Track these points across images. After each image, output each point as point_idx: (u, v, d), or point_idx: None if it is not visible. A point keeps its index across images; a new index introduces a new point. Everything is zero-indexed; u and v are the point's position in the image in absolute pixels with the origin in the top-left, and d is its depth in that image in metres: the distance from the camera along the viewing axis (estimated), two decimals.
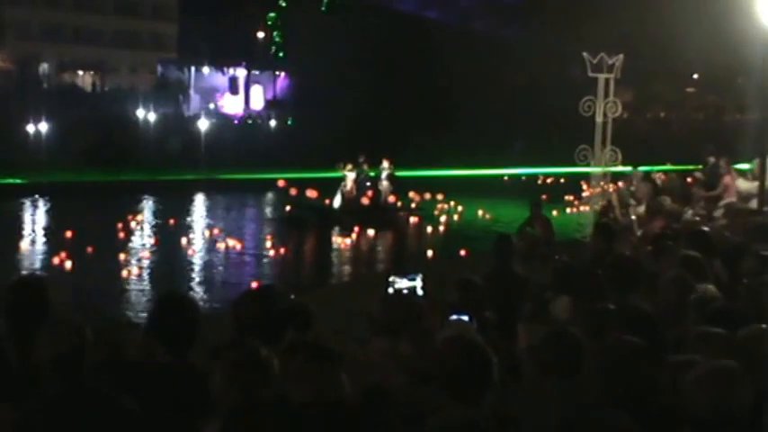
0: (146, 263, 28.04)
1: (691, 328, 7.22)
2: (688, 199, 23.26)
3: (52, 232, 31.51)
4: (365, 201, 38.07)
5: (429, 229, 36.02)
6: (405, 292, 9.51)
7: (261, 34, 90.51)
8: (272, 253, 30.43)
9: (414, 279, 9.69)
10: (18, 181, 44.95)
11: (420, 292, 9.58)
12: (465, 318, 8.38)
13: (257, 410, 5.24)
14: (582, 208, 38.49)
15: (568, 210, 37.98)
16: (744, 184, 24.23)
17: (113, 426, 5.35)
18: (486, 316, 8.67)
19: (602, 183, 30.52)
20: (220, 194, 46.48)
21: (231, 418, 5.27)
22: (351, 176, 38.14)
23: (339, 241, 32.99)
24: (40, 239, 31.32)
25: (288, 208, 39.15)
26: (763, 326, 6.59)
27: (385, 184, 38.99)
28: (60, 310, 6.31)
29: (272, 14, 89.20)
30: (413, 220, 37.90)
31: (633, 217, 20.79)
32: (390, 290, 9.71)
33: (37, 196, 41.77)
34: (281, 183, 42.30)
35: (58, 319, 5.83)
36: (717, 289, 9.04)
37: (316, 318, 8.05)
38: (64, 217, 34.68)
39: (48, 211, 39.27)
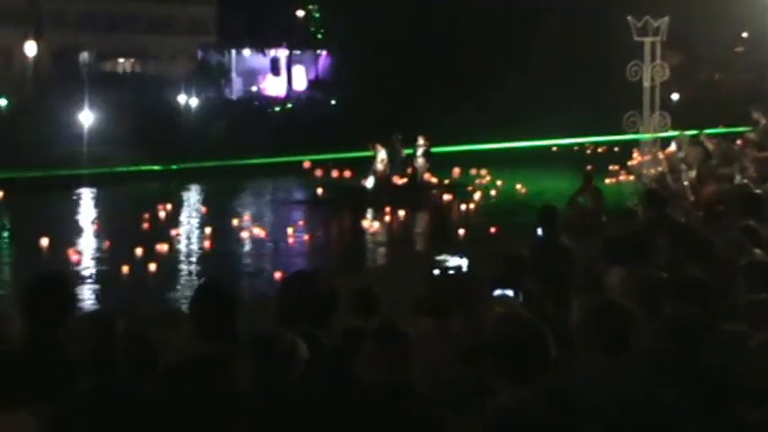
0: (183, 252, 28.17)
1: (740, 296, 7.11)
2: (735, 162, 23.00)
3: (89, 224, 31.32)
4: (397, 180, 37.87)
5: (465, 206, 35.77)
6: (452, 270, 9.48)
7: (300, 13, 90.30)
8: (305, 237, 30.45)
9: (462, 257, 9.67)
10: (68, 172, 45.24)
11: (466, 269, 9.54)
12: (509, 292, 8.33)
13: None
14: (626, 177, 38.14)
15: (608, 180, 37.31)
16: None
17: (153, 423, 5.34)
18: (532, 289, 8.61)
19: (652, 149, 30.27)
20: (260, 178, 46.46)
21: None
22: (382, 155, 37.96)
23: (373, 222, 32.94)
24: (83, 231, 31.19)
25: (320, 190, 39.10)
26: None
27: (420, 161, 38.74)
28: (89, 306, 6.33)
29: None
30: (447, 197, 37.53)
31: (685, 183, 20.61)
32: (438, 269, 9.69)
33: (83, 187, 41.94)
34: (306, 164, 42.31)
35: (85, 315, 5.84)
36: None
37: (380, 302, 8.05)
38: (101, 207, 34.64)
39: (87, 202, 39.20)
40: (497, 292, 8.25)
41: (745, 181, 18.52)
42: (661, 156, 29.04)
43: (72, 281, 6.68)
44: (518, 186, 39.20)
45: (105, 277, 23.72)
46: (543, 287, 8.65)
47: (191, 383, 5.60)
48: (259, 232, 30.75)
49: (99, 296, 20.72)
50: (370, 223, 32.83)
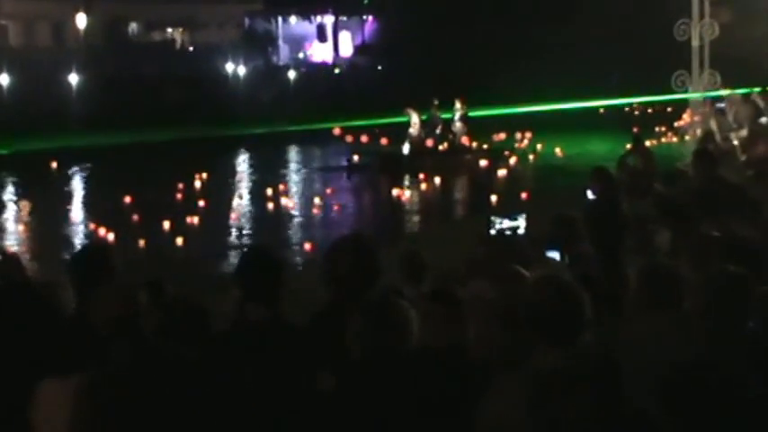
0: (223, 220, 28.22)
1: None
2: None
3: (116, 196, 30.82)
4: (431, 143, 37.73)
5: (501, 170, 35.42)
6: (507, 232, 9.45)
7: None
8: (342, 204, 30.64)
9: (515, 219, 9.63)
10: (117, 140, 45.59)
11: (522, 231, 9.51)
12: (555, 254, 8.31)
13: (388, 359, 5.29)
14: (670, 138, 37.74)
15: (654, 141, 36.72)
16: None
17: (187, 390, 5.41)
18: (583, 250, 8.57)
19: (702, 108, 29.95)
20: (304, 145, 46.78)
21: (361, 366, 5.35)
22: (414, 120, 37.86)
23: (409, 188, 32.95)
24: (112, 202, 30.62)
25: (356, 157, 39.10)
26: None
27: (458, 125, 38.43)
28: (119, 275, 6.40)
29: None
30: (483, 162, 37.21)
31: (735, 142, 20.40)
32: (492, 231, 9.66)
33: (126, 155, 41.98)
34: (336, 131, 42.23)
35: (110, 284, 5.90)
36: None
37: (428, 267, 8.04)
38: (134, 177, 34.31)
39: (119, 173, 38.60)
40: (548, 254, 8.27)
41: None
42: (710, 115, 28.76)
43: (113, 251, 6.75)
44: (557, 150, 38.89)
45: (142, 246, 23.77)
46: (597, 249, 8.61)
47: (244, 348, 5.64)
48: (298, 200, 31.02)
49: (143, 264, 20.73)
50: (406, 189, 32.79)
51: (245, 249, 6.55)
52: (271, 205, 30.11)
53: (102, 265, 6.55)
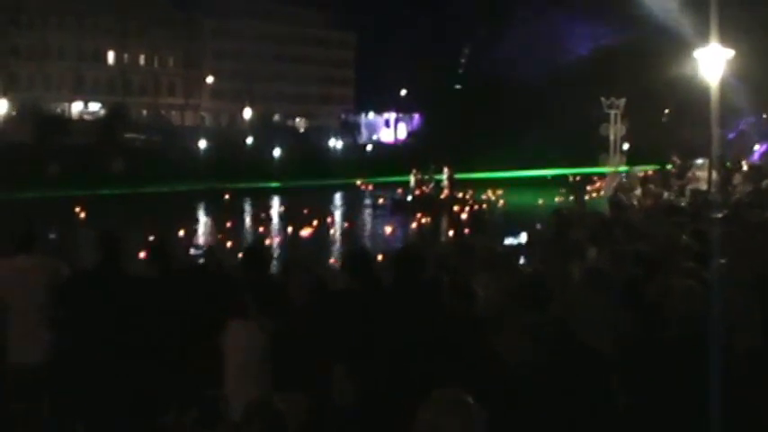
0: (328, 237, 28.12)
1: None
2: (665, 185, 22.53)
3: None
4: (420, 192, 37.32)
5: (467, 213, 33.80)
6: (516, 244, 9.14)
7: (404, 92, 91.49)
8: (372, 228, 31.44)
9: (518, 236, 9.42)
10: (274, 184, 45.82)
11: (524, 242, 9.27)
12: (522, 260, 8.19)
13: None
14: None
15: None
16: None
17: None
18: (543, 259, 8.45)
19: (614, 176, 29.69)
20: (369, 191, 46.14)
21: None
22: (413, 179, 37.82)
23: (413, 221, 32.79)
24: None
25: (381, 200, 39.38)
26: None
27: (446, 183, 37.83)
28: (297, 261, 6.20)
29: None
30: (457, 207, 35.06)
31: (634, 201, 20.24)
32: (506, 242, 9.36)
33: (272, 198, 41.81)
34: (359, 183, 42.13)
35: (299, 266, 5.78)
36: None
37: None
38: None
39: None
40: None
41: (671, 197, 18.17)
42: (618, 180, 28.56)
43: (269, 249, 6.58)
44: (501, 201, 37.48)
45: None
46: (554, 258, 8.52)
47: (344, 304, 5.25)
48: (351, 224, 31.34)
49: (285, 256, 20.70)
50: (411, 221, 32.84)
51: (349, 250, 6.31)
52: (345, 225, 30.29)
53: (261, 253, 6.41)
